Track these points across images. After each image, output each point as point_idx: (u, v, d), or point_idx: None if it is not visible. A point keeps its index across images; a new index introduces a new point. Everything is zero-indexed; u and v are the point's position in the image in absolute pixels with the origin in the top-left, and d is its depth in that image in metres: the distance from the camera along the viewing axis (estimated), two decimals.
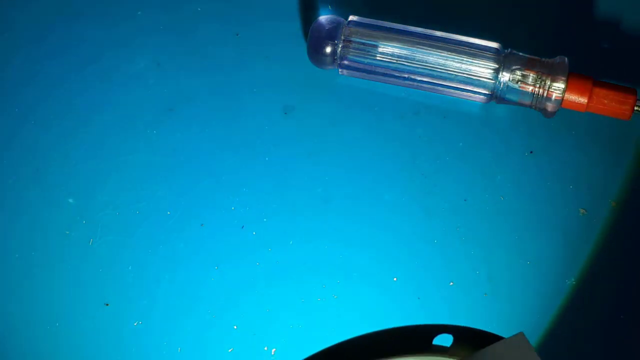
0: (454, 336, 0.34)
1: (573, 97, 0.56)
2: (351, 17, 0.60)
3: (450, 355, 0.35)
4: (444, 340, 0.43)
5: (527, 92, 0.57)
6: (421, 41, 0.59)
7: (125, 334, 0.54)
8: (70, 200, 0.57)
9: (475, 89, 0.58)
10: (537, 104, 0.57)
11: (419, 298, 0.55)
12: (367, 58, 0.59)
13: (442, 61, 0.58)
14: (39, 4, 0.65)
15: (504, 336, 0.33)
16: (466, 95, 0.59)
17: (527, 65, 0.57)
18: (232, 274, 0.56)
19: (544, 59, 0.57)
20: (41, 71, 0.62)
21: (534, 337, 0.51)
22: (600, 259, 0.55)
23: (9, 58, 0.63)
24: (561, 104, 0.56)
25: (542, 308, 0.54)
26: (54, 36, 0.63)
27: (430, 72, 0.59)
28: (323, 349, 0.39)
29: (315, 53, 0.59)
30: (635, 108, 0.56)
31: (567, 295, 0.54)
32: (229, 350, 0.55)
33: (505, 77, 0.57)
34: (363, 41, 0.59)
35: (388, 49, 0.59)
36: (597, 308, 0.54)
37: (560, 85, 0.56)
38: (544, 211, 0.57)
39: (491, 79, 0.57)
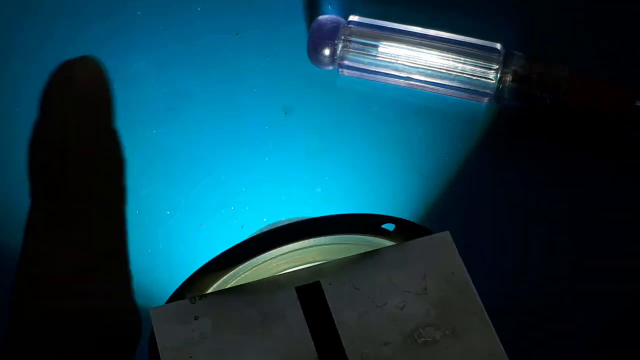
0: (396, 225, 0.41)
1: (573, 97, 0.56)
2: (351, 17, 0.60)
3: (390, 239, 0.42)
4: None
5: (527, 92, 0.57)
6: (421, 41, 0.59)
7: None
8: None
9: (476, 89, 0.58)
10: (537, 104, 0.57)
11: None
12: (367, 58, 0.59)
13: (442, 61, 0.58)
14: (38, 4, 0.65)
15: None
16: (466, 96, 0.59)
17: (527, 65, 0.57)
18: None
19: (544, 59, 0.57)
20: (41, 71, 0.62)
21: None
22: (601, 259, 0.55)
23: (9, 57, 0.63)
24: (561, 104, 0.56)
25: (535, 319, 0.54)
26: (53, 36, 0.63)
27: (430, 72, 0.59)
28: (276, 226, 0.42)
29: (315, 53, 0.59)
30: (637, 104, 0.56)
31: (564, 294, 0.54)
32: None
33: (505, 77, 0.57)
34: (363, 41, 0.59)
35: (388, 49, 0.59)
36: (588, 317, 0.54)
37: (560, 85, 0.56)
38: (545, 211, 0.57)
39: (491, 79, 0.58)
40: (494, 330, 0.38)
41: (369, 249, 0.42)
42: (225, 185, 0.58)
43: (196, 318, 0.39)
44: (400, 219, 0.42)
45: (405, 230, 0.42)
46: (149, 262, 0.56)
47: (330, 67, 0.60)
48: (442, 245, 0.41)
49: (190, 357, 0.38)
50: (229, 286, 0.42)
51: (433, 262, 0.40)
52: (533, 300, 0.54)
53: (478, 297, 0.39)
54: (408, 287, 0.40)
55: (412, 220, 0.56)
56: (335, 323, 0.39)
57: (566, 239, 0.56)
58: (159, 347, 0.38)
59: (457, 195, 0.57)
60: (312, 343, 0.38)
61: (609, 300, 0.53)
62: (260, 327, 0.39)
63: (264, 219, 0.56)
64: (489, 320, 0.39)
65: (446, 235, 0.42)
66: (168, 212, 0.57)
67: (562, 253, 0.55)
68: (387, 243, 0.43)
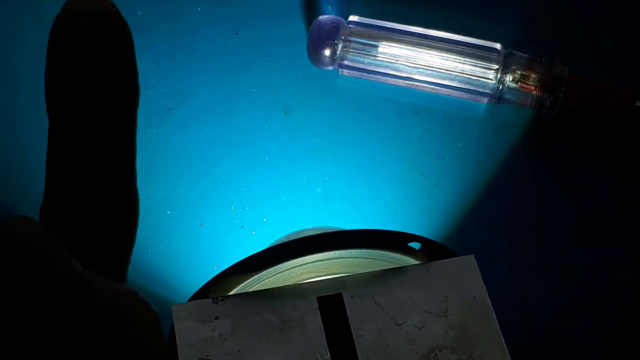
0: (422, 244, 0.42)
1: (573, 97, 0.56)
2: (351, 17, 0.60)
3: (415, 257, 0.43)
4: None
5: (527, 92, 0.57)
6: (421, 41, 0.59)
7: None
8: None
9: (476, 89, 0.58)
10: (537, 104, 0.57)
11: None
12: (367, 58, 0.59)
13: (442, 61, 0.58)
14: (38, 4, 0.65)
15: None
16: (466, 96, 0.59)
17: (527, 65, 0.57)
18: None
19: (544, 59, 0.57)
20: (41, 71, 0.62)
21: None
22: (597, 263, 0.55)
23: (9, 58, 0.63)
24: (561, 104, 0.56)
25: (535, 312, 0.54)
26: None
27: (430, 72, 0.59)
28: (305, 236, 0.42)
29: (315, 53, 0.59)
30: (637, 104, 0.56)
31: (566, 301, 0.54)
32: None
33: (505, 77, 0.57)
34: (363, 41, 0.59)
35: (388, 49, 0.59)
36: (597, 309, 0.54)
37: (560, 85, 0.56)
38: (544, 209, 0.57)
39: (491, 79, 0.58)
40: (510, 359, 0.38)
41: (393, 266, 0.42)
42: (225, 185, 0.57)
43: (217, 318, 0.40)
44: (427, 238, 0.42)
45: (431, 250, 0.42)
46: (149, 262, 0.56)
47: (330, 67, 0.60)
48: (465, 269, 0.41)
49: (207, 355, 0.38)
50: (251, 290, 0.43)
51: (456, 284, 0.41)
52: (537, 302, 0.54)
53: (497, 324, 0.39)
54: (429, 307, 0.40)
55: (411, 219, 0.56)
56: (353, 336, 0.39)
57: (566, 237, 0.56)
58: (177, 343, 0.39)
59: (457, 194, 0.57)
60: (329, 353, 0.38)
61: (612, 303, 0.54)
62: (279, 333, 0.39)
63: (264, 219, 0.56)
64: (506, 348, 0.39)
65: (470, 259, 0.42)
66: (168, 212, 0.57)
67: (562, 253, 0.55)
68: (412, 261, 0.43)
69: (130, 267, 0.54)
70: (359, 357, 0.38)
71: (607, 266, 0.55)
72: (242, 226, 0.56)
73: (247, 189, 0.57)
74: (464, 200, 0.57)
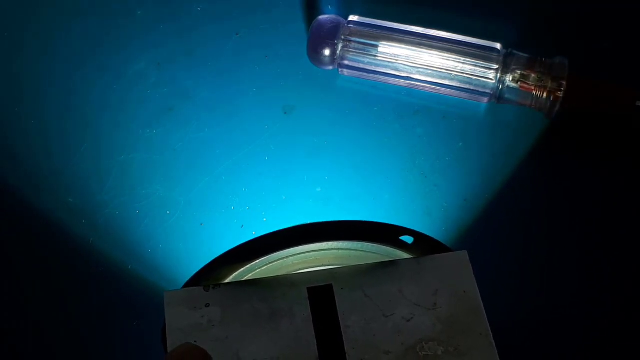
0: (414, 238, 0.42)
1: (573, 97, 0.56)
2: (351, 17, 0.60)
3: (408, 252, 0.43)
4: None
5: (527, 92, 0.57)
6: (421, 41, 0.59)
7: (125, 334, 0.54)
8: (70, 200, 0.57)
9: (475, 89, 0.58)
10: (537, 104, 0.57)
11: None
12: (367, 58, 0.59)
13: (442, 61, 0.58)
14: (39, 4, 0.65)
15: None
16: (466, 96, 0.59)
17: (527, 65, 0.57)
18: None
19: (544, 59, 0.57)
20: (41, 71, 0.62)
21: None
22: (603, 262, 0.55)
23: (10, 58, 0.63)
24: (561, 104, 0.56)
25: (535, 311, 0.54)
26: (54, 36, 0.63)
27: (430, 72, 0.59)
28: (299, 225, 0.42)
29: (314, 53, 0.59)
30: (637, 104, 0.56)
31: (565, 300, 0.54)
32: None
33: (505, 77, 0.57)
34: (363, 41, 0.59)
35: (388, 49, 0.59)
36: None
37: (560, 85, 0.56)
38: (544, 209, 0.57)
39: (491, 79, 0.58)
40: (496, 352, 0.39)
41: (386, 259, 0.42)
42: (225, 185, 0.58)
43: (207, 305, 0.40)
44: (420, 232, 0.42)
45: (424, 244, 0.42)
46: (149, 262, 0.56)
47: (330, 67, 0.60)
48: (458, 264, 0.42)
49: (195, 341, 0.39)
50: (244, 279, 0.43)
51: (447, 279, 0.41)
52: (532, 302, 0.54)
53: (486, 318, 0.40)
54: (418, 300, 0.40)
55: (411, 219, 0.56)
56: (341, 326, 0.39)
57: (565, 236, 0.56)
58: (166, 328, 0.39)
59: (457, 194, 0.57)
60: (315, 343, 0.39)
61: (614, 303, 0.54)
62: (268, 321, 0.40)
63: (264, 219, 0.56)
64: (493, 342, 0.39)
65: (463, 254, 0.42)
66: (168, 212, 0.57)
67: (561, 252, 0.55)
68: (404, 255, 0.43)
69: (130, 267, 0.55)
70: (345, 346, 0.39)
71: (608, 266, 0.54)
72: (242, 226, 0.56)
73: (247, 189, 0.57)
74: (464, 200, 0.57)
